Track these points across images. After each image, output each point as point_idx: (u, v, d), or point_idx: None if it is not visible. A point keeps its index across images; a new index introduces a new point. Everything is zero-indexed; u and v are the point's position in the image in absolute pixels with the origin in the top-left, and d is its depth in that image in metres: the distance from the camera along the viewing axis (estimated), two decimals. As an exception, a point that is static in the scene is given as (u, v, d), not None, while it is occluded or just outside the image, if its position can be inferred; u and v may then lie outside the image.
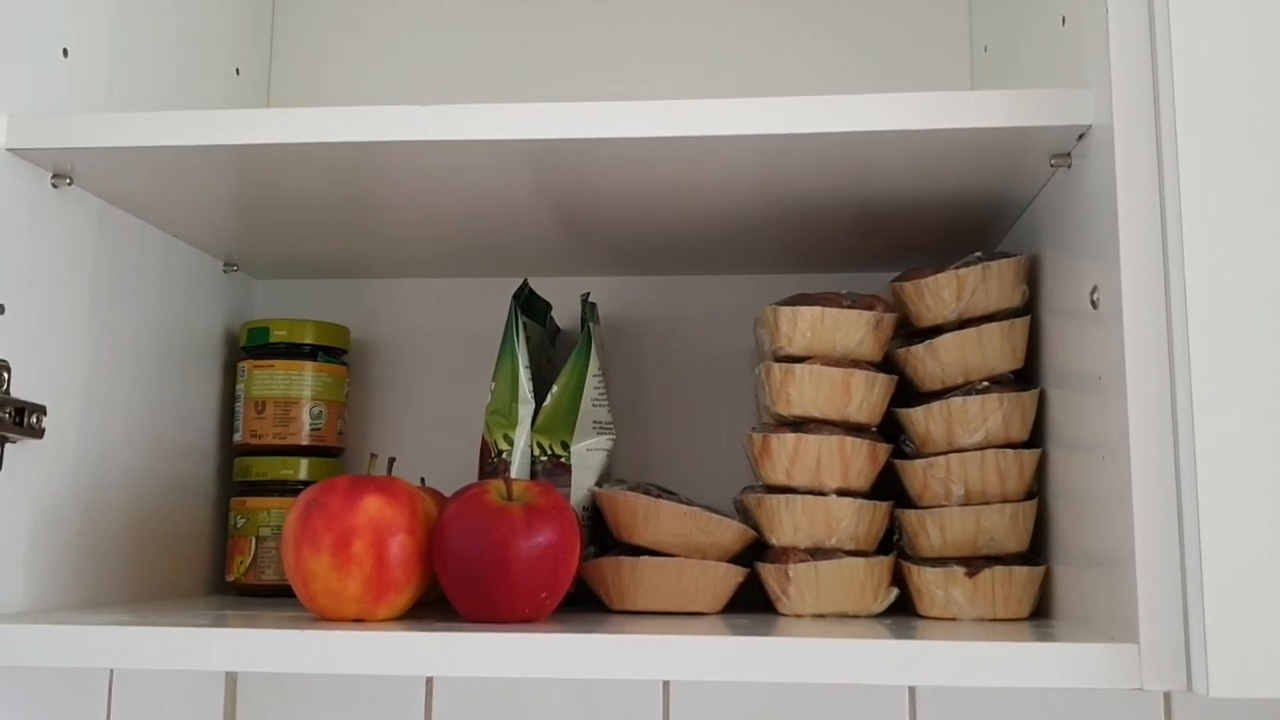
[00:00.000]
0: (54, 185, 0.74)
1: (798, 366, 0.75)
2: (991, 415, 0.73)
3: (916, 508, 0.75)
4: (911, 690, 0.90)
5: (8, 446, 0.70)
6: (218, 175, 0.75)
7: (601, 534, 0.82)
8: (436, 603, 0.79)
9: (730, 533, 0.76)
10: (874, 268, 0.95)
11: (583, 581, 0.78)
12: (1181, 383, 0.56)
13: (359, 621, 0.67)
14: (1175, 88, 0.58)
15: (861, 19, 1.00)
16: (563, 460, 0.81)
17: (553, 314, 0.94)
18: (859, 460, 0.75)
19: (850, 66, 1.00)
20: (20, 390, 0.71)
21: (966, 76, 0.99)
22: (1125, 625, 0.58)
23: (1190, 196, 0.57)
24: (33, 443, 0.72)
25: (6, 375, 0.69)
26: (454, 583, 0.67)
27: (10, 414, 0.69)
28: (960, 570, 0.72)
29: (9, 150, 0.70)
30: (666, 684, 0.91)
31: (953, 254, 0.89)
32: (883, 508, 0.76)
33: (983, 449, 0.73)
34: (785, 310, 0.76)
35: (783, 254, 0.91)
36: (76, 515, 0.76)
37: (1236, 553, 0.54)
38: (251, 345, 0.92)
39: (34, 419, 0.71)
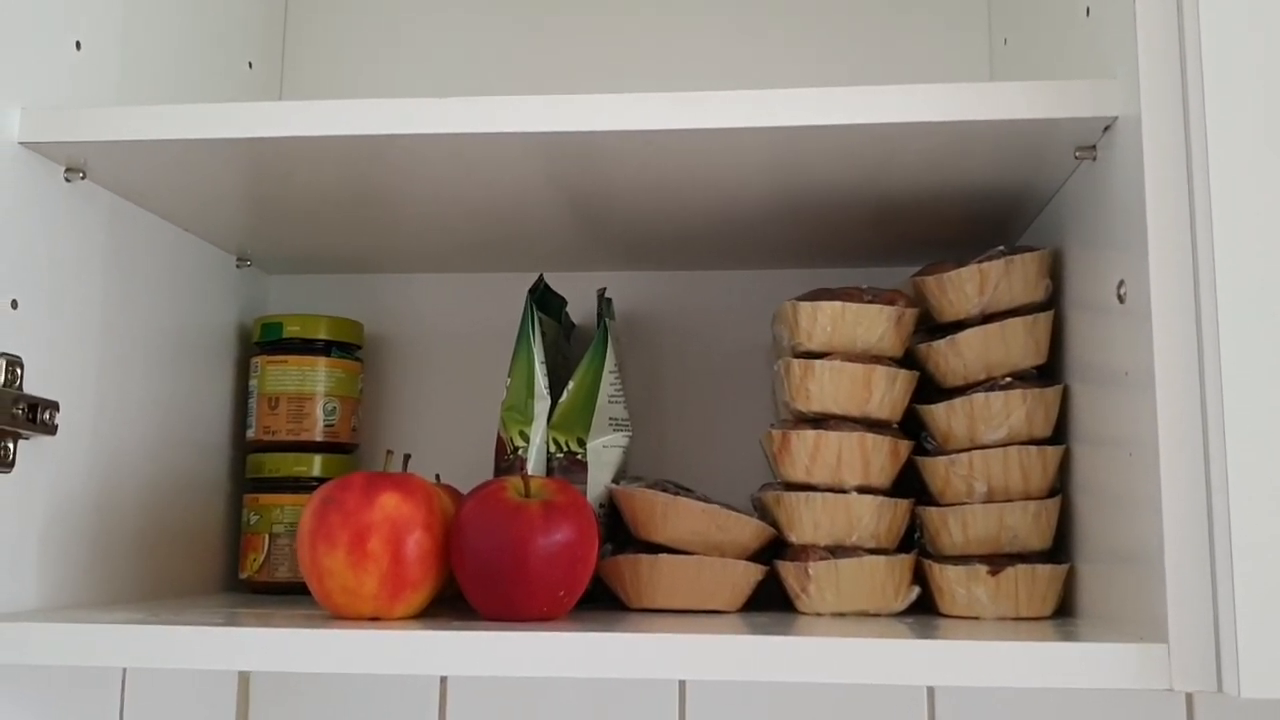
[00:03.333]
0: (66, 179, 0.74)
1: (818, 362, 0.74)
2: (1014, 411, 0.72)
3: (938, 505, 0.74)
4: (930, 690, 0.89)
5: (21, 443, 0.69)
6: (230, 169, 0.75)
7: (618, 531, 0.81)
8: (453, 600, 0.78)
9: (749, 530, 0.75)
10: (894, 262, 0.94)
11: (600, 579, 0.77)
12: (1211, 377, 0.55)
13: (375, 620, 0.66)
14: (1204, 77, 0.57)
15: (879, 11, 0.99)
16: (579, 457, 0.81)
17: (568, 309, 0.93)
18: (880, 457, 0.74)
19: (868, 59, 0.99)
20: (33, 386, 0.70)
21: (986, 69, 0.98)
22: (1153, 625, 0.57)
23: (1220, 187, 0.56)
24: (46, 439, 0.71)
25: (19, 371, 0.69)
26: (471, 580, 0.67)
27: (23, 410, 0.69)
28: (983, 568, 0.71)
29: (21, 144, 0.70)
30: (683, 683, 0.91)
31: (975, 248, 0.88)
32: (904, 505, 0.75)
33: (1005, 446, 0.72)
34: (805, 305, 0.75)
35: (801, 248, 0.90)
36: (89, 512, 0.76)
37: (1268, 550, 0.53)
38: (265, 341, 0.92)
39: (47, 415, 0.70)
